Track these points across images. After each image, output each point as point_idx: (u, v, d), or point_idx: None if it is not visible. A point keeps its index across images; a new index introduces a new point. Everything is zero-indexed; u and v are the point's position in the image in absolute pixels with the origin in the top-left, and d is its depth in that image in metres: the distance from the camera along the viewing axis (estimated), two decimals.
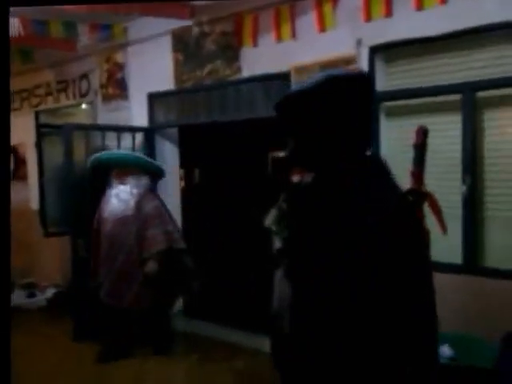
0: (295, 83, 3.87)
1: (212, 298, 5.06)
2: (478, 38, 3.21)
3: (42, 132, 5.33)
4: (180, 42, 4.67)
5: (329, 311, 1.26)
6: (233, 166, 5.15)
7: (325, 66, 3.66)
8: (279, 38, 4.00)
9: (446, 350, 2.78)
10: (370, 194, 1.26)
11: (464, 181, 3.29)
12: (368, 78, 1.37)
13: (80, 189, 4.55)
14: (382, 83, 3.63)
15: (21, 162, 6.35)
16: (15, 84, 6.08)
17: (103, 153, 4.41)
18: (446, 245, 3.02)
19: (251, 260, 4.88)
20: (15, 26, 4.00)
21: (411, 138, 1.95)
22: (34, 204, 5.84)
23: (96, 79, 5.46)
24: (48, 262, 6.00)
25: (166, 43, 4.75)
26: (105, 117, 5.37)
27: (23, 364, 3.74)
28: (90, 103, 5.58)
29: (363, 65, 3.59)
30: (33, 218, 5.69)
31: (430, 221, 2.55)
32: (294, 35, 3.91)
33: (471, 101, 3.25)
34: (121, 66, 5.21)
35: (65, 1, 3.20)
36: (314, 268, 1.29)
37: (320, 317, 1.28)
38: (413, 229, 1.27)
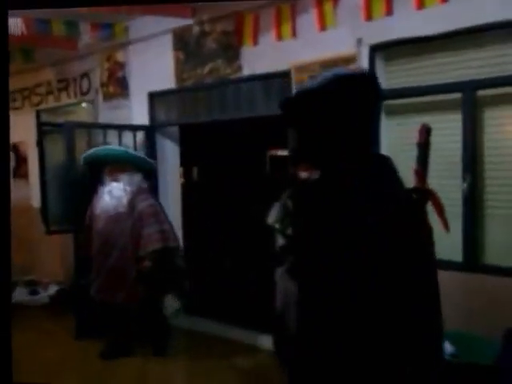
0: (296, 82, 3.88)
1: (211, 295, 5.09)
2: (478, 37, 3.22)
3: (43, 130, 5.32)
4: (181, 40, 4.67)
5: (336, 308, 1.28)
6: (232, 164, 5.17)
7: (325, 64, 3.67)
8: (280, 37, 4.00)
9: (447, 347, 2.79)
10: (378, 192, 1.28)
11: (464, 179, 3.31)
12: (375, 77, 1.40)
13: (81, 186, 4.56)
14: (382, 82, 3.62)
15: (22, 160, 6.36)
16: (16, 83, 6.08)
17: (93, 150, 4.38)
18: (446, 242, 3.02)
19: (250, 256, 4.91)
20: (18, 25, 4.01)
21: (414, 137, 1.96)
22: (36, 202, 5.84)
23: (97, 78, 5.46)
24: (49, 259, 6.01)
25: (167, 42, 4.75)
26: (106, 115, 5.38)
27: (25, 361, 3.75)
28: (91, 102, 5.58)
29: (363, 63, 3.60)
30: (34, 215, 5.70)
31: (433, 219, 2.56)
32: (294, 34, 3.92)
33: (471, 99, 3.26)
34: (122, 65, 5.21)
35: (62, 4, 3.20)
36: (322, 265, 1.31)
37: (327, 314, 1.30)
38: (420, 226, 1.29)
